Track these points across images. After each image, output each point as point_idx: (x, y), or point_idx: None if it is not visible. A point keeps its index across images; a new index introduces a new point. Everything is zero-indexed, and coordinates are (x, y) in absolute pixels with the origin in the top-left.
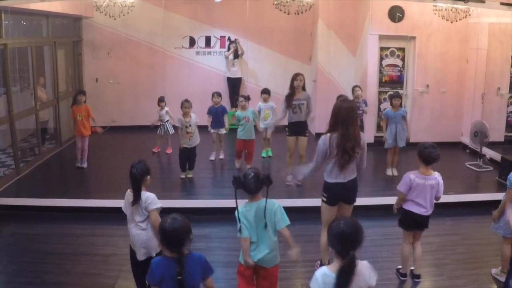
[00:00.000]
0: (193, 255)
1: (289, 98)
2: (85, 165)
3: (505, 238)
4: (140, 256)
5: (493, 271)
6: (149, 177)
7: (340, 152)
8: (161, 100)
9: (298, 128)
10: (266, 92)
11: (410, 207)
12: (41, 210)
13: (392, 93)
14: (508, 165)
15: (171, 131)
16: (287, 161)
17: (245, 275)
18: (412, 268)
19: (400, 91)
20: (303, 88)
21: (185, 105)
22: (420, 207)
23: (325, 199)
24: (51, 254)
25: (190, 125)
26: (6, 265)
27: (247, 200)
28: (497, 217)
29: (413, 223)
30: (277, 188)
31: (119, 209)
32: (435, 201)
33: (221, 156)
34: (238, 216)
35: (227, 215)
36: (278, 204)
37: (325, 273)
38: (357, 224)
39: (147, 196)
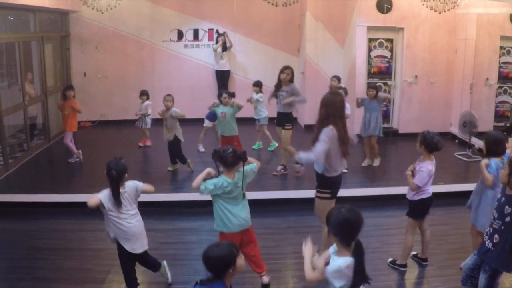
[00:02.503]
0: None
1: (275, 88)
2: (71, 160)
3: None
4: (139, 248)
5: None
6: (126, 174)
7: (344, 143)
8: (142, 93)
9: (278, 118)
10: (256, 84)
11: (424, 195)
12: (31, 206)
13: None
14: None
15: (147, 125)
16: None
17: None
18: (415, 253)
19: (389, 82)
20: (291, 81)
21: (166, 98)
22: (429, 191)
23: (328, 195)
24: (41, 250)
25: (166, 119)
26: None
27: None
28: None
29: (426, 209)
30: (265, 180)
31: None
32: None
33: (202, 149)
34: (215, 184)
35: None
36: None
37: (349, 265)
38: (356, 209)
39: (129, 184)
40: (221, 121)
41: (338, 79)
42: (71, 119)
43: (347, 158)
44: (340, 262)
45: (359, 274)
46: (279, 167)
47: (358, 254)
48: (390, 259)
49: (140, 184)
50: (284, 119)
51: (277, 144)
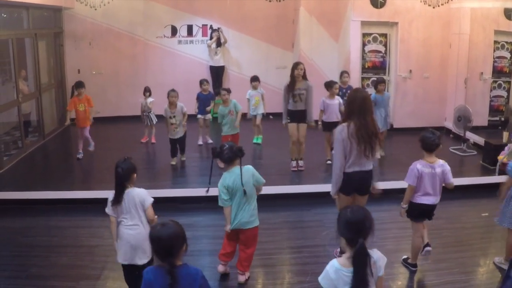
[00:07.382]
0: (189, 269)
1: (290, 87)
2: (80, 155)
3: (510, 230)
4: (140, 260)
5: (496, 259)
6: (135, 175)
7: (360, 141)
8: (146, 90)
9: (298, 116)
10: (256, 79)
11: (418, 199)
12: (26, 203)
13: (376, 78)
14: (491, 149)
15: (154, 120)
16: (290, 148)
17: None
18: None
19: (384, 77)
20: (304, 77)
21: (171, 94)
22: (429, 197)
23: (342, 189)
24: (36, 247)
25: (174, 116)
26: None
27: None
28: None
29: (422, 214)
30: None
31: (104, 200)
32: (448, 188)
33: (210, 141)
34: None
35: (212, 204)
36: (251, 167)
37: (338, 268)
38: (365, 212)
39: (138, 192)
40: (228, 119)
41: (348, 74)
42: (88, 114)
43: (367, 157)
44: (329, 266)
45: (357, 281)
46: (301, 162)
47: (356, 261)
48: (405, 257)
49: (148, 200)
50: (305, 115)
51: None
